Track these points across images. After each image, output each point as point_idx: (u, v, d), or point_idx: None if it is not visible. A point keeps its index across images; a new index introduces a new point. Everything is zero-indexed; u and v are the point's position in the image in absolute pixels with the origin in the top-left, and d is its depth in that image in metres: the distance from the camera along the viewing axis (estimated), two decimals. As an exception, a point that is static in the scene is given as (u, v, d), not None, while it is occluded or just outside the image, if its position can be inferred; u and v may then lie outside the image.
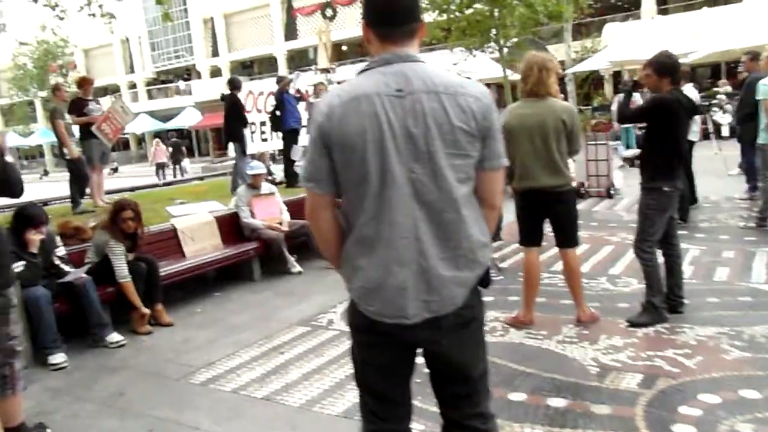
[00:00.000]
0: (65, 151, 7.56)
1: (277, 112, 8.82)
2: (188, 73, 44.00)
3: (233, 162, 9.53)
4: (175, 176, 21.85)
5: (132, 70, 45.77)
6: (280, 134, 10.20)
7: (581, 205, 8.47)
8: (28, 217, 4.13)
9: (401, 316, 1.72)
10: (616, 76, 24.15)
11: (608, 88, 24.06)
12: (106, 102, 10.82)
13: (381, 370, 1.83)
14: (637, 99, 13.07)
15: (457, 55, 18.21)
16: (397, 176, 1.65)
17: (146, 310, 4.72)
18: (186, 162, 22.65)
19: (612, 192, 8.74)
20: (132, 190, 12.30)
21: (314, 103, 9.14)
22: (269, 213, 6.27)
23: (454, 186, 1.67)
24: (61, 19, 10.66)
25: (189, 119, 36.80)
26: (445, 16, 16.17)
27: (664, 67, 3.78)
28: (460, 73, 17.64)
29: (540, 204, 3.81)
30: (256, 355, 4.05)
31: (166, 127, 36.41)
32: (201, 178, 15.48)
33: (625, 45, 18.13)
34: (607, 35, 23.12)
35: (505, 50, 16.24)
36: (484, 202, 1.80)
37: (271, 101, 10.58)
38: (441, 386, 1.87)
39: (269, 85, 10.51)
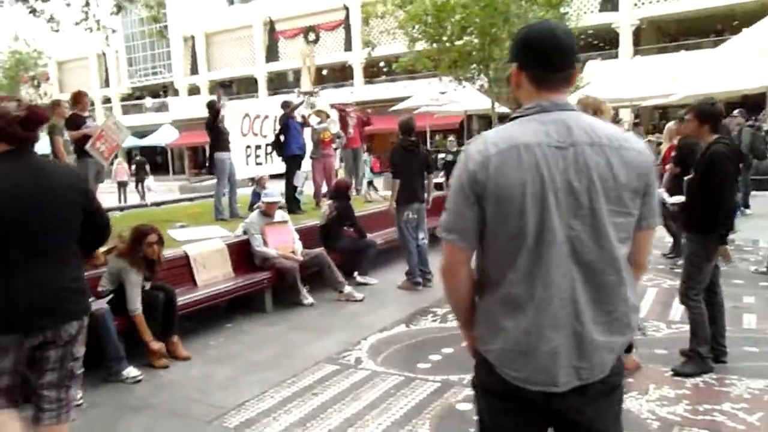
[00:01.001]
0: (62, 168, 7.26)
1: (281, 137, 8.65)
2: (164, 90, 43.47)
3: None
4: (141, 195, 21.34)
5: (107, 85, 45.01)
6: (278, 157, 10.08)
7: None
8: None
9: (551, 384, 1.59)
10: (595, 113, 24.68)
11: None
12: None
13: None
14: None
15: (445, 84, 18.37)
16: (556, 233, 1.54)
17: (158, 345, 4.47)
18: (150, 180, 22.09)
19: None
20: (121, 209, 11.91)
21: (317, 129, 9.04)
22: (282, 242, 6.08)
23: (615, 246, 1.57)
24: (56, 31, 10.40)
25: (165, 137, 36.26)
26: (435, 46, 16.38)
27: (707, 114, 3.77)
28: (447, 102, 17.81)
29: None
30: (288, 396, 3.85)
31: (141, 143, 35.77)
32: (191, 199, 15.12)
33: (607, 83, 18.57)
34: (589, 72, 23.72)
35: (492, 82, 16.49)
36: (635, 263, 1.69)
37: (269, 124, 10.46)
38: None
39: (270, 107, 10.35)
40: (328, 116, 9.07)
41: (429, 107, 17.88)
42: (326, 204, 6.82)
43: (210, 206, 8.85)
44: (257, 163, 10.56)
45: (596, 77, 20.67)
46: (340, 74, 37.97)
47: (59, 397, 2.54)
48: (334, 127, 9.11)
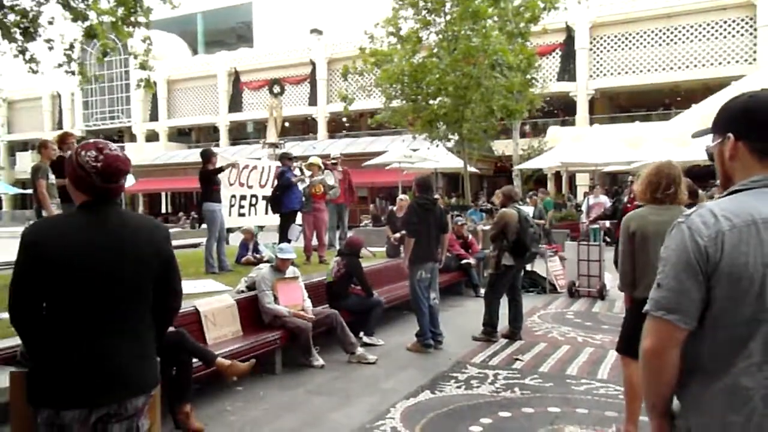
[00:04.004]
0: (44, 213, 6.81)
1: (277, 192, 8.43)
2: (120, 135, 42.53)
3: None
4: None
5: (60, 127, 43.58)
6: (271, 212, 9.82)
7: (578, 305, 8.52)
8: None
9: None
10: (557, 175, 25.52)
11: (550, 185, 25.24)
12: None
13: None
14: (605, 201, 13.73)
15: (418, 142, 18.62)
16: None
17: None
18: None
19: (605, 293, 8.85)
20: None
21: (311, 182, 8.87)
22: (293, 299, 5.80)
23: None
24: (35, 72, 10.01)
25: (120, 182, 35.15)
26: (410, 104, 16.67)
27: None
28: (420, 159, 17.99)
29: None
30: (334, 472, 3.54)
31: (93, 188, 34.51)
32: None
33: (572, 147, 19.25)
34: (551, 136, 24.61)
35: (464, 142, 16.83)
36: None
37: (256, 176, 10.24)
38: None
39: (261, 160, 10.16)
40: (320, 168, 8.93)
41: (401, 164, 18.03)
42: (335, 260, 6.59)
43: (185, 257, 8.47)
44: (240, 214, 10.24)
45: (559, 142, 21.46)
46: (302, 127, 38.18)
47: None
48: (330, 179, 8.96)
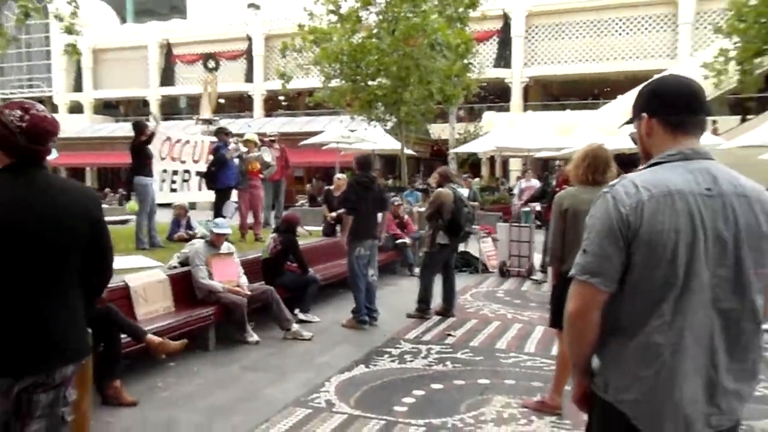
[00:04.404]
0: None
1: (212, 167, 8.25)
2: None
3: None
4: None
5: (-29, 94, 40.85)
6: (196, 184, 9.62)
7: (508, 284, 8.83)
8: None
9: None
10: (491, 160, 26.13)
11: (484, 169, 25.81)
12: None
13: None
14: (536, 185, 14.18)
15: (357, 123, 18.57)
16: (702, 281, 1.56)
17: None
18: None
19: (533, 273, 9.19)
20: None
21: (247, 158, 8.72)
22: (228, 275, 5.73)
23: (756, 296, 1.61)
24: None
25: (41, 155, 33.27)
26: (350, 84, 16.57)
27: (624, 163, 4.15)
28: (358, 140, 17.98)
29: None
30: (270, 444, 3.56)
31: (10, 160, 32.53)
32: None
33: (506, 133, 19.74)
34: (486, 121, 25.14)
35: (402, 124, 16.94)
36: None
37: (189, 150, 9.98)
38: None
39: (190, 132, 9.88)
40: (256, 145, 8.78)
41: (339, 144, 17.96)
42: (271, 237, 6.54)
43: (115, 233, 8.16)
44: (172, 190, 9.95)
45: (494, 127, 21.97)
46: (238, 104, 37.27)
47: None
48: (267, 156, 8.84)
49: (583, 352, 1.72)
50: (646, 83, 1.81)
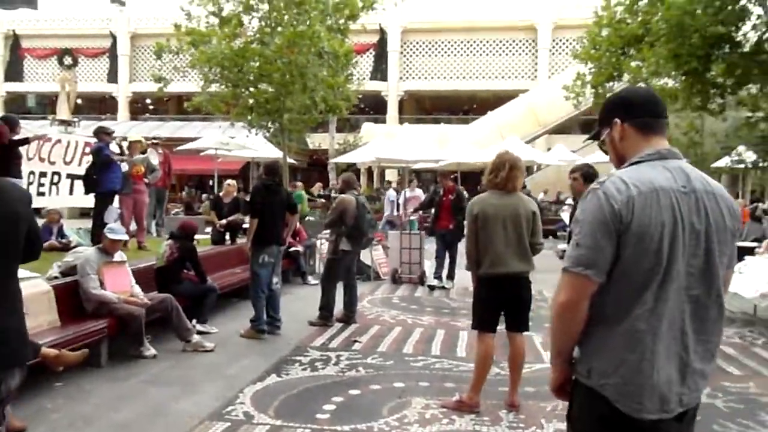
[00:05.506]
0: None
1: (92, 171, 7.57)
2: None
3: None
4: None
5: None
6: (67, 187, 8.84)
7: (401, 291, 9.00)
8: None
9: (664, 411, 1.73)
10: (369, 170, 26.53)
11: (363, 179, 26.13)
12: None
13: None
14: (420, 195, 14.60)
15: (237, 129, 18.01)
16: (680, 270, 1.71)
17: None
18: None
19: (425, 279, 9.44)
20: None
21: (132, 160, 8.14)
22: (121, 284, 5.29)
23: (720, 283, 1.78)
24: None
25: None
26: (230, 90, 16.04)
27: (589, 175, 4.48)
28: (238, 147, 17.47)
29: (505, 289, 4.02)
30: (190, 461, 3.33)
31: None
32: None
33: (385, 144, 20.22)
34: (366, 132, 25.54)
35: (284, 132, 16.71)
36: None
37: (59, 150, 9.15)
38: None
39: (57, 131, 9.05)
40: (142, 147, 8.22)
41: (217, 150, 17.31)
42: (166, 244, 6.13)
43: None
44: (39, 193, 9.04)
45: (373, 138, 22.40)
46: (99, 106, 34.67)
47: None
48: (154, 158, 8.29)
49: (570, 342, 1.80)
50: (608, 96, 1.99)
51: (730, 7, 12.01)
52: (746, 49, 12.47)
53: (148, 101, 34.96)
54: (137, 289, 5.45)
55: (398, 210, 14.96)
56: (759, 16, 12.42)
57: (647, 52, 14.31)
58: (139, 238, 8.20)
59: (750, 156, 14.91)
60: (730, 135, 16.35)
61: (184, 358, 5.30)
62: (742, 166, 15.17)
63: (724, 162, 14.70)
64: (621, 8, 16.33)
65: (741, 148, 15.06)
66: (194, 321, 6.04)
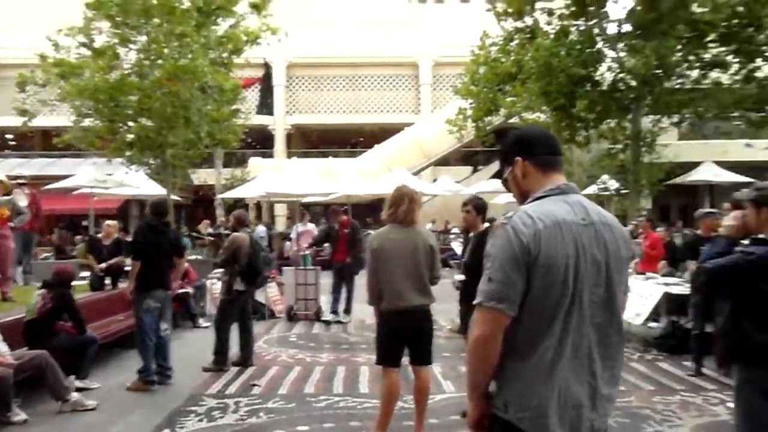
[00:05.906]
0: None
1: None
2: None
3: None
4: None
5: None
6: None
7: (298, 328, 8.80)
8: None
9: None
10: (258, 205, 25.99)
11: (252, 214, 25.53)
12: None
13: None
14: (312, 229, 14.46)
15: (115, 166, 16.95)
16: (583, 299, 1.79)
17: None
18: None
19: (321, 315, 9.30)
20: None
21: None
22: (-17, 343, 4.70)
23: (619, 310, 1.89)
24: None
25: None
26: (105, 125, 15.15)
27: (481, 207, 4.67)
28: (116, 184, 16.47)
29: (407, 324, 4.02)
30: None
31: None
32: None
33: (273, 178, 19.94)
34: (253, 166, 25.07)
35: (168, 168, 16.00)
36: None
37: None
38: None
39: None
40: (6, 188, 7.47)
41: (93, 189, 16.19)
42: (39, 294, 5.56)
43: None
44: None
45: (261, 172, 22.03)
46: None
47: None
48: (22, 201, 7.56)
49: (486, 377, 1.82)
50: (503, 138, 2.10)
51: (588, 50, 13.21)
52: (604, 87, 13.73)
53: (9, 136, 32.16)
54: (3, 348, 4.88)
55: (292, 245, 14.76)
56: (612, 59, 13.77)
57: (520, 89, 15.39)
58: (3, 289, 7.40)
59: (613, 184, 16.28)
60: (595, 165, 17.83)
61: (60, 420, 4.80)
62: (606, 193, 16.50)
63: (591, 190, 15.99)
64: (495, 48, 17.44)
65: (605, 177, 16.42)
66: (73, 377, 5.50)
